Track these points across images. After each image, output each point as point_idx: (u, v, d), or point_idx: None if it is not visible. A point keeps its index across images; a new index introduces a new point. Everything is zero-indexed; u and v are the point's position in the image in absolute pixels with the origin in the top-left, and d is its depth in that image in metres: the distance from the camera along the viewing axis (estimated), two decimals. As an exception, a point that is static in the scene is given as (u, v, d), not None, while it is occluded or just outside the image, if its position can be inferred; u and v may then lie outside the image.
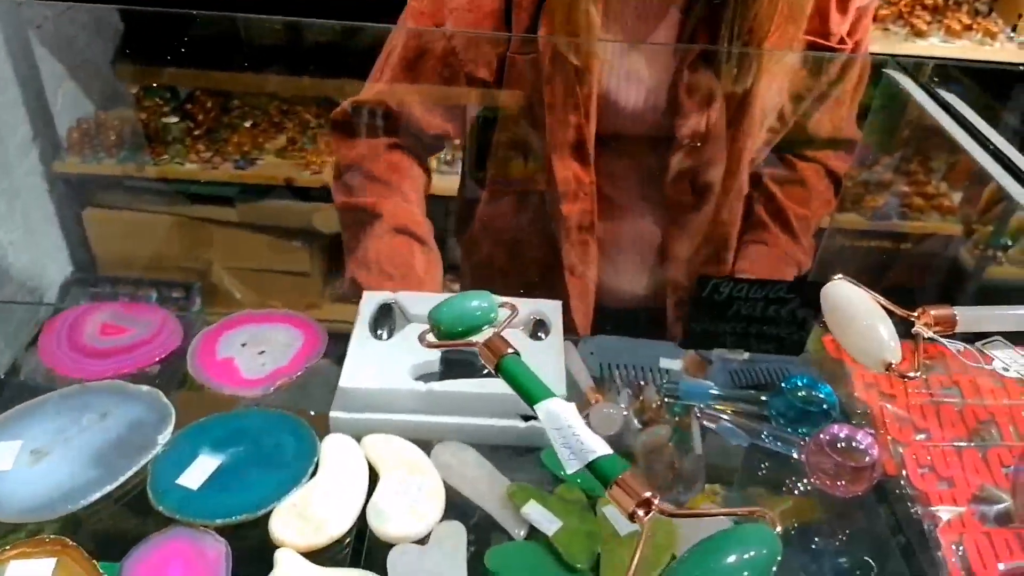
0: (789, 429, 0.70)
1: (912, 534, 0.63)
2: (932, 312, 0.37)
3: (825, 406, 0.69)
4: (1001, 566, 0.58)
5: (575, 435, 0.31)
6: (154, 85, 2.06)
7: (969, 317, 0.38)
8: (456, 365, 0.71)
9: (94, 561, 0.54)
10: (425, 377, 0.68)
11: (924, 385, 0.73)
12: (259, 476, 0.62)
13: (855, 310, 0.36)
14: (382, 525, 0.59)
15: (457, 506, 0.62)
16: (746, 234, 0.96)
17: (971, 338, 0.41)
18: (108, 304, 0.78)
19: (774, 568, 0.27)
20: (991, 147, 0.73)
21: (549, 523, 0.60)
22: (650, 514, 0.28)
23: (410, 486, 0.62)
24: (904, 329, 0.47)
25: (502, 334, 0.37)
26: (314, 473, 0.62)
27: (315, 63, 2.12)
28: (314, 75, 2.09)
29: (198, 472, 0.61)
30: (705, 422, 0.71)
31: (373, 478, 0.63)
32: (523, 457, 0.67)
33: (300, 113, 2.06)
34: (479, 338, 0.37)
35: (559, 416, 0.32)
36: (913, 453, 0.67)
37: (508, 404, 0.67)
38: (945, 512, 0.63)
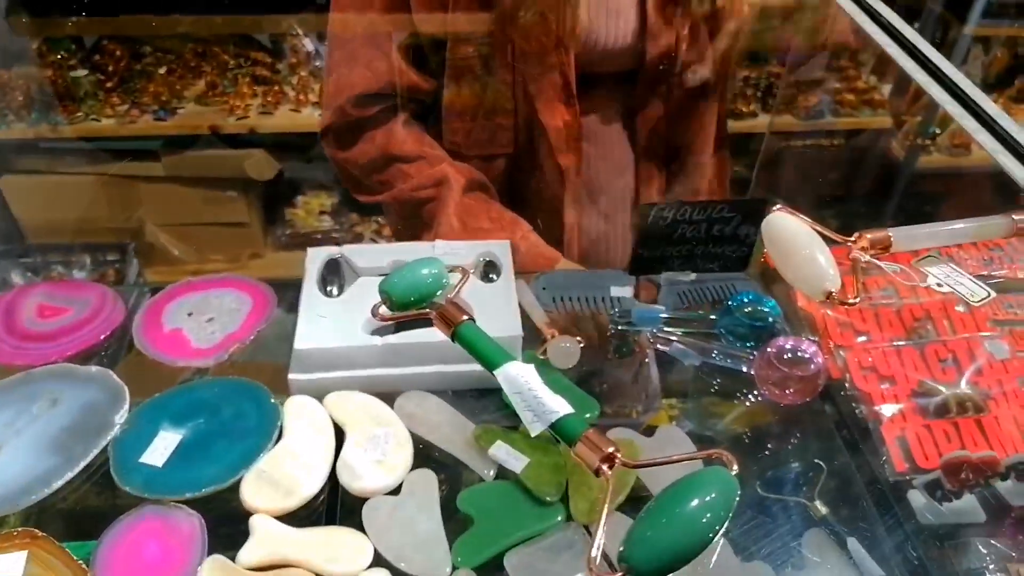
0: (738, 344, 0.72)
1: (857, 433, 0.67)
2: (868, 236, 0.38)
3: (771, 319, 0.71)
4: (942, 459, 0.62)
5: (536, 397, 0.32)
6: (57, 37, 1.93)
7: (904, 237, 0.39)
8: (410, 315, 0.71)
9: (66, 549, 0.54)
10: (380, 331, 0.68)
11: (863, 291, 0.76)
12: (224, 446, 0.61)
13: (794, 241, 0.37)
14: (354, 481, 0.59)
15: (425, 454, 0.63)
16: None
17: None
18: (42, 284, 0.75)
19: (733, 505, 0.28)
20: (906, 44, 0.74)
21: (516, 461, 0.62)
22: (614, 468, 0.29)
23: (377, 439, 0.62)
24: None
25: (455, 300, 0.37)
26: (279, 437, 0.62)
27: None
28: (228, 12, 1.99)
29: (161, 448, 0.61)
30: (658, 346, 0.73)
31: (340, 436, 0.63)
32: (486, 398, 0.68)
33: (218, 55, 1.96)
34: (433, 307, 0.37)
35: (518, 379, 0.33)
36: (855, 356, 0.70)
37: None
38: (887, 409, 0.67)
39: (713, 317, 0.75)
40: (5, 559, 0.53)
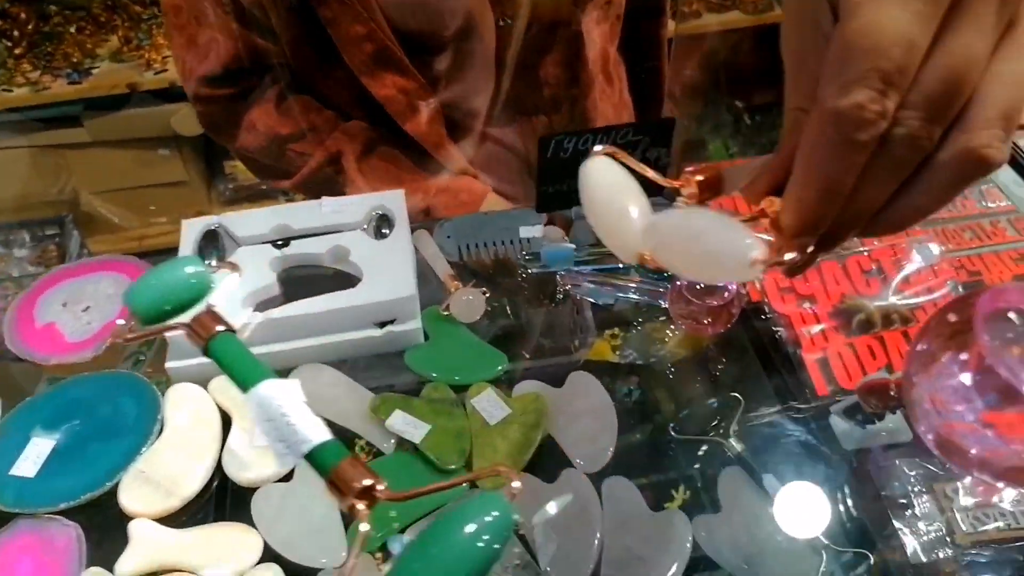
0: (653, 276, 0.68)
1: (778, 358, 0.63)
2: (697, 179, 0.33)
3: (684, 248, 0.67)
4: (856, 385, 0.58)
5: (289, 424, 0.27)
6: (-49, 4, 1.81)
7: (735, 176, 0.34)
8: (297, 283, 0.66)
9: (-69, 580, 0.50)
10: (264, 304, 0.63)
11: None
12: (101, 447, 0.57)
13: (607, 194, 0.32)
14: (240, 472, 0.56)
15: (323, 430, 0.60)
16: None
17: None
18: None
19: (507, 538, 0.25)
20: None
21: (415, 430, 0.58)
22: (374, 504, 0.25)
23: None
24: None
25: (215, 308, 0.32)
26: (161, 431, 0.58)
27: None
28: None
29: (33, 457, 0.57)
30: (570, 286, 0.69)
31: (228, 423, 0.59)
32: (388, 362, 0.64)
33: (128, 6, 1.84)
34: (187, 316, 0.32)
35: (271, 403, 0.28)
36: (773, 276, 0.66)
37: (359, 315, 0.63)
38: (808, 331, 0.63)
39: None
40: None
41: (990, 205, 0.73)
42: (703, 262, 0.31)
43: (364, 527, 0.25)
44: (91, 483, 0.55)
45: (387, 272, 0.65)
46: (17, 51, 1.78)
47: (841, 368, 0.61)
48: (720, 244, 0.30)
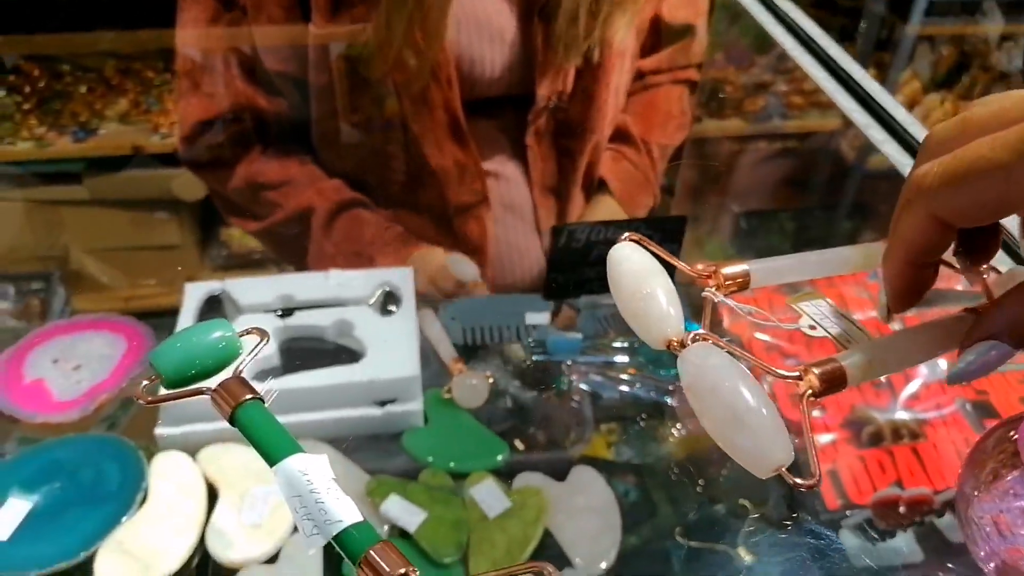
0: (661, 372, 0.67)
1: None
2: (724, 272, 0.33)
3: (693, 346, 0.66)
4: (872, 499, 0.57)
5: (318, 502, 0.25)
6: (-32, 56, 1.84)
7: (766, 270, 0.34)
8: (298, 355, 0.64)
9: None
10: (263, 375, 0.61)
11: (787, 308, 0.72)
12: (80, 513, 0.54)
13: (635, 279, 0.31)
14: (224, 550, 0.53)
15: (313, 511, 0.57)
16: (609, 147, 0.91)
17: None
18: None
19: None
20: (823, 56, 0.71)
21: (411, 517, 0.55)
22: None
23: (255, 500, 0.56)
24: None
25: (243, 374, 0.31)
26: (144, 501, 0.55)
27: (152, 12, 1.92)
28: (153, 26, 1.90)
29: (8, 519, 0.54)
30: (574, 377, 0.68)
31: (213, 498, 0.56)
32: (385, 444, 0.62)
33: (140, 71, 1.88)
34: (212, 382, 0.30)
35: (299, 479, 0.26)
36: (783, 382, 0.65)
37: (360, 391, 0.61)
38: (818, 439, 0.62)
39: (633, 344, 0.69)
40: None
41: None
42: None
43: None
44: (66, 552, 0.51)
45: (391, 350, 0.63)
46: (26, 106, 1.79)
47: (851, 481, 0.60)
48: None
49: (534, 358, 0.70)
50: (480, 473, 0.59)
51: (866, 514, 0.56)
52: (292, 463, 0.27)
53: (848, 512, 0.58)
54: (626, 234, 0.32)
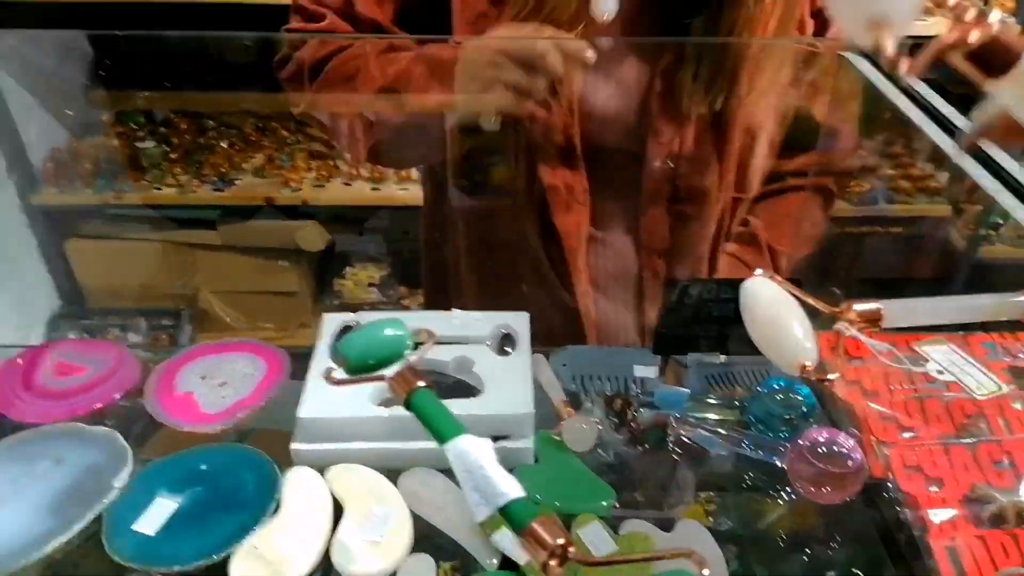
0: (770, 435, 0.67)
1: (903, 540, 0.60)
2: (856, 308, 0.34)
3: (804, 409, 0.67)
4: None
5: (486, 476, 0.29)
6: (128, 110, 2.04)
7: (897, 311, 0.35)
8: (422, 388, 0.68)
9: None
10: (388, 401, 0.66)
11: (908, 380, 0.71)
12: (219, 517, 0.59)
13: (770, 309, 0.33)
14: (347, 564, 0.56)
15: (426, 537, 0.60)
16: (729, 246, 0.92)
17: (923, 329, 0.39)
18: (64, 343, 0.76)
19: None
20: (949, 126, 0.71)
21: (520, 549, 0.57)
22: (564, 564, 0.26)
23: (376, 519, 0.59)
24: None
25: (415, 365, 0.35)
26: (277, 510, 0.60)
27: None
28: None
29: (155, 516, 0.59)
30: (682, 432, 0.69)
31: (339, 511, 0.60)
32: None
33: (276, 130, 2.04)
34: (390, 370, 0.34)
35: (469, 455, 0.30)
36: (899, 454, 0.65)
37: (477, 424, 0.64)
38: (936, 515, 0.61)
39: (742, 403, 0.70)
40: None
41: None
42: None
43: None
44: (206, 550, 0.56)
45: (507, 388, 0.67)
46: (173, 156, 1.97)
47: (972, 562, 0.58)
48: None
49: (641, 409, 0.71)
50: (587, 515, 0.61)
51: (986, 593, 0.55)
52: (462, 442, 0.30)
53: (967, 590, 0.56)
54: (759, 270, 0.35)
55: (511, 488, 0.28)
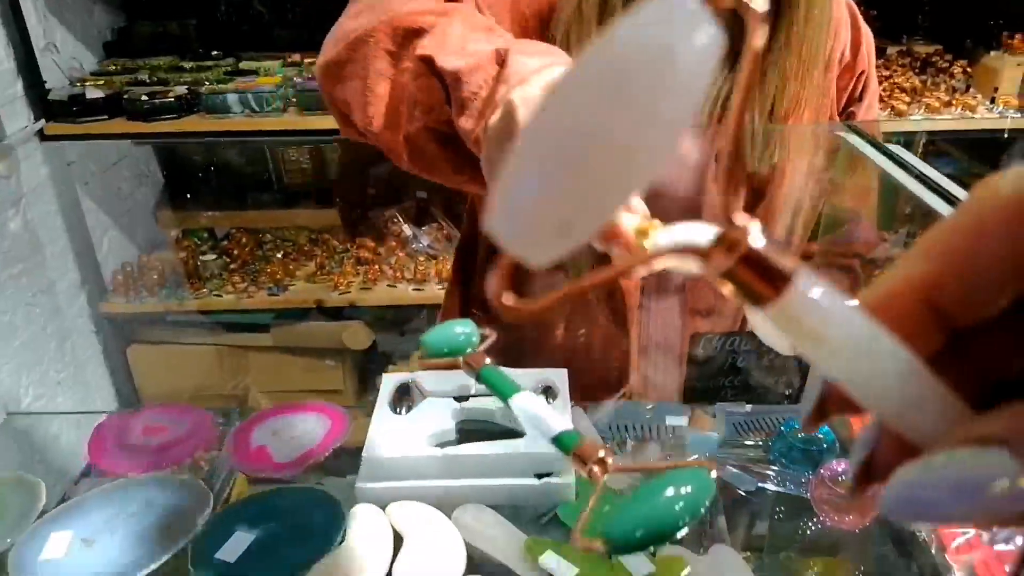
0: (793, 469, 0.73)
1: (924, 561, 0.64)
2: None
3: (825, 444, 0.72)
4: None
5: (540, 418, 0.36)
6: (193, 228, 2.22)
7: None
8: (471, 434, 0.75)
9: (141, 630, 0.58)
10: (442, 445, 0.73)
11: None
12: (291, 548, 0.66)
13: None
14: (407, 584, 0.62)
15: (479, 566, 0.65)
16: None
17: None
18: (149, 408, 0.84)
19: (706, 500, 0.31)
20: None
21: (566, 570, 0.63)
22: (606, 471, 0.33)
23: (433, 548, 0.65)
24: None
25: (480, 353, 0.44)
26: (342, 542, 0.66)
27: (340, 195, 2.28)
28: (339, 206, 2.26)
29: (234, 547, 0.66)
30: (712, 471, 0.74)
31: (398, 544, 0.66)
32: (541, 517, 0.71)
33: (328, 240, 2.19)
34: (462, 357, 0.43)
35: (527, 405, 0.38)
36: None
37: (522, 463, 0.71)
38: (953, 536, 0.65)
39: (761, 444, 0.76)
40: (87, 634, 0.57)
41: None
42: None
43: (601, 481, 0.33)
44: (281, 574, 0.62)
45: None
46: (232, 266, 2.12)
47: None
48: None
49: (671, 455, 0.77)
50: (626, 543, 0.66)
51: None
52: (520, 397, 0.38)
53: (987, 603, 0.59)
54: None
55: (560, 424, 0.36)
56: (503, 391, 0.40)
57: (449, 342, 0.44)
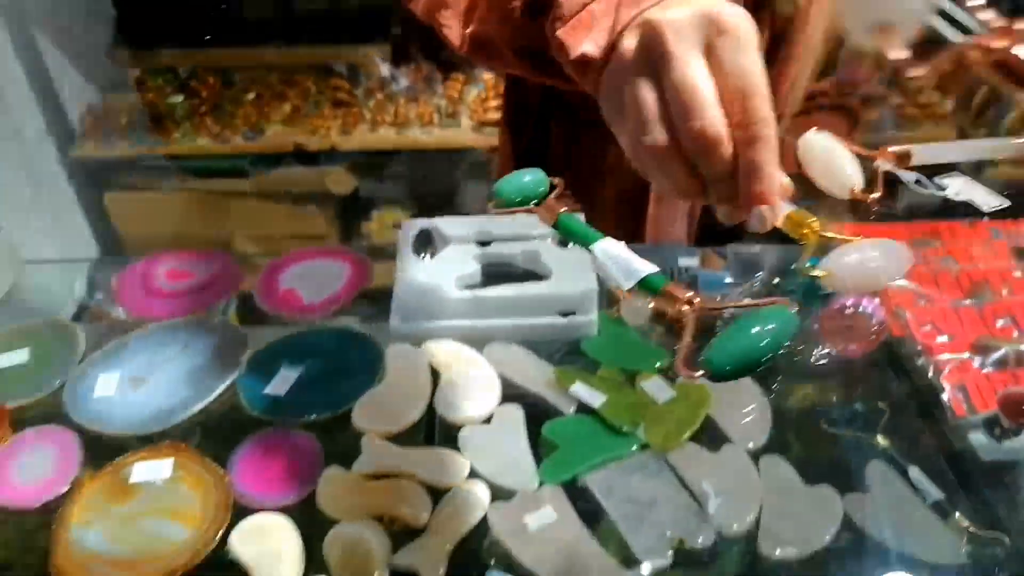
0: (803, 302, 0.77)
1: (920, 381, 0.71)
2: (891, 150, 0.45)
3: (832, 280, 0.76)
4: (999, 394, 0.65)
5: (625, 259, 0.39)
6: (154, 68, 2.11)
7: (923, 152, 0.45)
8: (493, 278, 0.78)
9: (205, 457, 0.62)
10: (470, 285, 0.75)
11: (923, 259, 0.81)
12: (335, 382, 0.69)
13: (824, 153, 0.44)
14: (450, 412, 0.66)
15: (512, 395, 0.70)
16: None
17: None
18: (167, 253, 0.85)
19: (793, 329, 0.35)
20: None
21: (595, 398, 0.68)
22: (694, 310, 0.36)
23: (469, 379, 0.69)
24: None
25: (554, 200, 0.46)
26: (383, 377, 0.70)
27: (308, 33, 2.16)
28: (309, 44, 2.14)
29: (282, 382, 0.69)
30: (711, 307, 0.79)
31: (435, 379, 0.70)
32: (566, 351, 0.75)
33: (301, 82, 2.10)
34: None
35: (610, 250, 0.40)
36: (916, 315, 0.75)
37: (546, 303, 0.74)
38: (947, 360, 0.71)
39: (776, 281, 0.80)
40: (157, 464, 0.61)
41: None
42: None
43: (692, 318, 0.36)
44: (329, 405, 0.66)
45: (571, 273, 0.76)
46: (203, 109, 2.04)
47: (977, 394, 0.68)
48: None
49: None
50: (647, 372, 0.71)
51: (991, 414, 0.65)
52: (603, 243, 0.40)
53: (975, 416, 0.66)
54: (814, 128, 0.45)
55: (646, 267, 0.38)
56: (585, 237, 0.42)
57: (522, 190, 0.45)
